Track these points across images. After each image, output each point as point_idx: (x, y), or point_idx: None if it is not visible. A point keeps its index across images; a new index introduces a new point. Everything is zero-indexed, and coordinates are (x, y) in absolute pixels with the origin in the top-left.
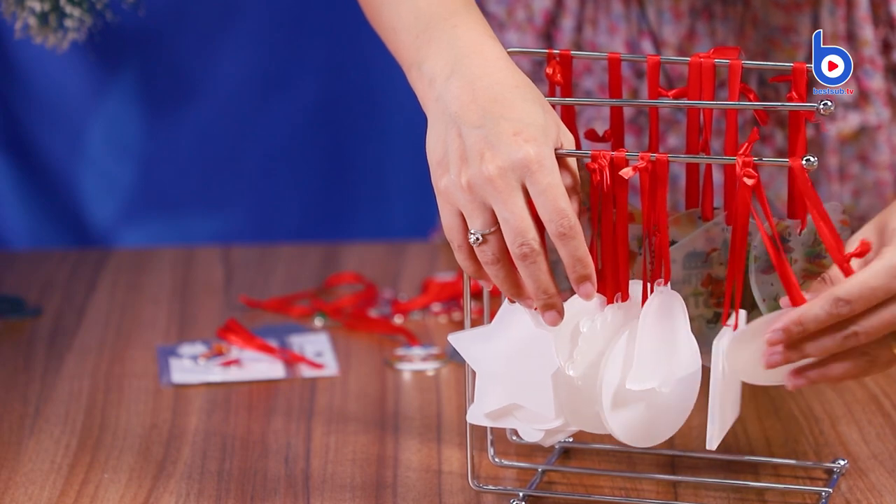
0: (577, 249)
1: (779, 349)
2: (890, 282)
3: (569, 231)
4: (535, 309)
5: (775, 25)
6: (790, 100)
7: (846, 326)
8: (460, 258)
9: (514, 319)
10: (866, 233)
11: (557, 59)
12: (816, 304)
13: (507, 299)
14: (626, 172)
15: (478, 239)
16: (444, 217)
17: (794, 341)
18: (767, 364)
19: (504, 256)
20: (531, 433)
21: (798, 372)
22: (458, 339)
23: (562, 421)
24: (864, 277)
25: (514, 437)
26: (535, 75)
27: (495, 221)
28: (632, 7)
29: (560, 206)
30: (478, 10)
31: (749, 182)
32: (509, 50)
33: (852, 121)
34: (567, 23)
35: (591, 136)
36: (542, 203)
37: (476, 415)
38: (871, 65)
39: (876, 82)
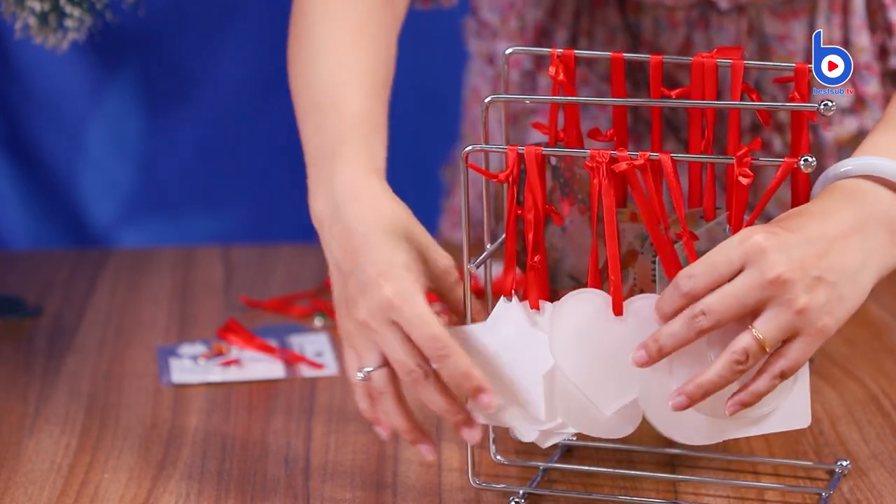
0: (457, 366)
1: (643, 345)
2: (729, 253)
3: (444, 351)
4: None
5: (771, 34)
6: (792, 100)
7: (694, 310)
8: (356, 397)
9: (509, 318)
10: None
11: (560, 58)
12: (667, 288)
13: (502, 297)
14: (620, 166)
15: (364, 377)
16: (345, 355)
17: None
18: (634, 361)
19: (389, 389)
20: (528, 433)
21: (734, 403)
22: (454, 336)
23: (556, 422)
24: (708, 254)
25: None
26: (526, 85)
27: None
28: (628, 18)
29: (430, 333)
30: (370, 131)
31: (745, 181)
32: (510, 50)
33: (849, 125)
34: (560, 35)
35: (595, 135)
36: (414, 335)
37: (474, 413)
38: (868, 70)
39: (872, 87)
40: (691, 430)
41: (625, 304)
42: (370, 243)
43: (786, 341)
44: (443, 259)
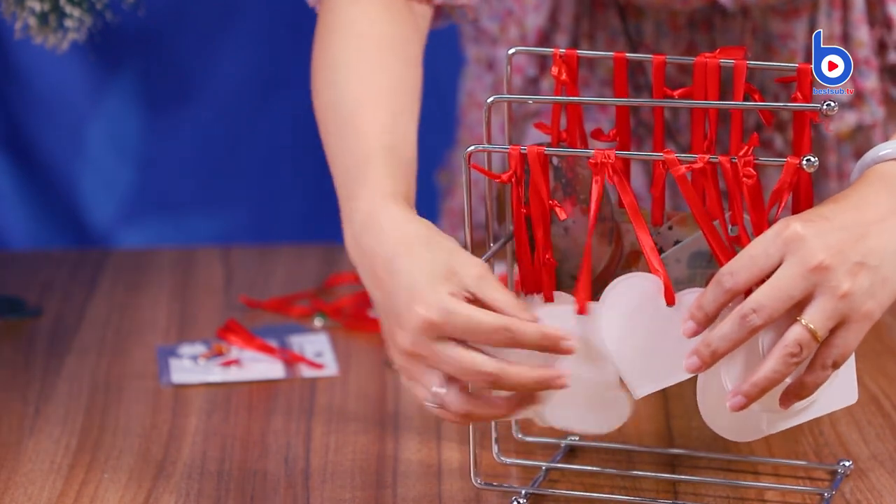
0: (532, 337)
1: (695, 351)
2: (767, 246)
3: (514, 333)
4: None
5: (773, 33)
6: (794, 100)
7: (743, 309)
8: (441, 416)
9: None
10: None
11: (562, 58)
12: (709, 286)
13: (522, 295)
14: (680, 169)
15: (435, 405)
16: (411, 390)
17: (700, 325)
18: (687, 368)
19: (468, 404)
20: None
21: (788, 396)
22: None
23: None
24: (745, 249)
25: (520, 435)
26: (529, 91)
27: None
28: (629, 21)
29: (493, 326)
30: (389, 153)
31: (748, 182)
32: (513, 50)
33: (849, 120)
34: (561, 39)
35: (598, 135)
36: (474, 338)
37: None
38: (867, 65)
39: (871, 82)
40: (748, 427)
41: (676, 296)
42: (395, 268)
43: (833, 330)
44: (474, 266)
